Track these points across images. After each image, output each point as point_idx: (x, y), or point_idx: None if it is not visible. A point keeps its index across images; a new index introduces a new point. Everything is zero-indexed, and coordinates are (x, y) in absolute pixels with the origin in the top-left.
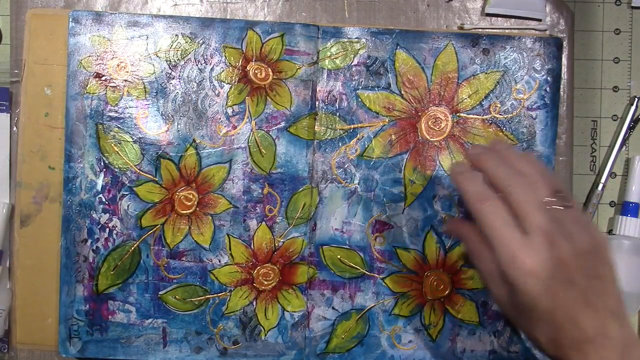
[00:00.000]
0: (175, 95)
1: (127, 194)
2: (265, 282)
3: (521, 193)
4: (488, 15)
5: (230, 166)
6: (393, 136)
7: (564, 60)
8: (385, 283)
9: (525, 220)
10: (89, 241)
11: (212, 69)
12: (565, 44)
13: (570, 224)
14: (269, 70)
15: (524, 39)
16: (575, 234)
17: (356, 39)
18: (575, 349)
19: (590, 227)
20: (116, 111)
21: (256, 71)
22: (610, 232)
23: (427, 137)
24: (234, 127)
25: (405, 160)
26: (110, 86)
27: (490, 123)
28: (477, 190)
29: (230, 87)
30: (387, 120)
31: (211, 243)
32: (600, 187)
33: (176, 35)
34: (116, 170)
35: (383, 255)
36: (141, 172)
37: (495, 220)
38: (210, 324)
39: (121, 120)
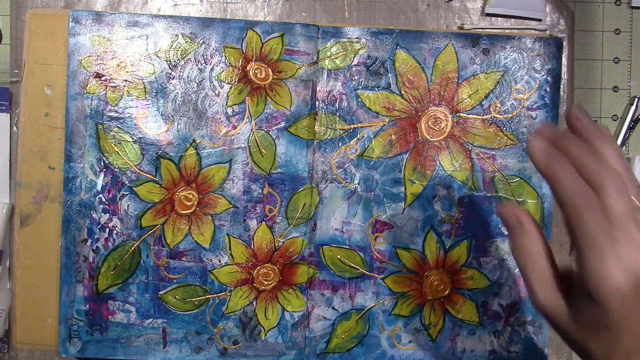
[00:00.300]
0: (175, 95)
1: (127, 194)
2: (265, 282)
3: (618, 197)
4: (488, 15)
5: (230, 166)
6: (393, 136)
7: (564, 60)
8: (385, 283)
9: (620, 229)
10: (89, 241)
11: (212, 69)
12: (565, 44)
13: None
14: (269, 70)
15: (524, 39)
16: None
17: (356, 39)
18: (625, 357)
19: None
20: (116, 111)
21: (256, 71)
22: None
23: (427, 137)
24: (234, 127)
25: (405, 160)
26: (110, 86)
27: (490, 123)
28: (575, 184)
29: (230, 87)
30: (387, 120)
31: (211, 243)
32: None
33: (176, 35)
34: (116, 170)
35: (383, 255)
36: (141, 172)
37: (594, 226)
38: (210, 324)
39: (121, 120)
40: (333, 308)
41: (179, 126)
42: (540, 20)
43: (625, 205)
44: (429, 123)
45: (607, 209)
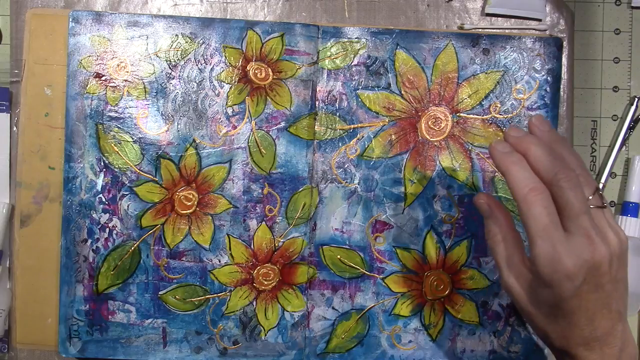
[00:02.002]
0: (175, 95)
1: (127, 194)
2: (265, 282)
3: (572, 190)
4: (488, 15)
5: (230, 166)
6: (393, 136)
7: (564, 60)
8: (385, 283)
9: (573, 221)
10: (89, 241)
11: (212, 69)
12: (565, 44)
13: (604, 226)
14: (269, 70)
15: (524, 39)
16: (609, 236)
17: (356, 39)
18: (583, 345)
19: (619, 228)
20: (116, 111)
21: (256, 71)
22: None
23: (427, 137)
24: (234, 127)
25: (405, 160)
26: (110, 86)
27: (491, 123)
28: (527, 177)
29: (230, 87)
30: (387, 120)
31: (211, 243)
32: (600, 187)
33: (176, 35)
34: (116, 170)
35: (383, 255)
36: (141, 172)
37: (544, 216)
38: (210, 324)
39: (121, 120)
40: (333, 308)
41: (179, 126)
42: (540, 20)
43: (578, 200)
44: (429, 123)
45: (560, 202)
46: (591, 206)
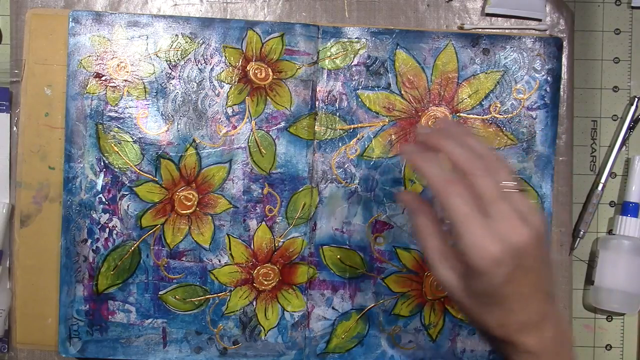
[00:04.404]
0: (175, 95)
1: (127, 194)
2: (265, 282)
3: (485, 177)
4: (488, 15)
5: (230, 166)
6: (393, 136)
7: (564, 60)
8: (385, 283)
9: (491, 206)
10: (89, 241)
11: (212, 69)
12: (565, 44)
13: (525, 209)
14: (269, 70)
15: (524, 39)
16: (530, 218)
17: (356, 39)
18: (520, 331)
19: (538, 211)
20: (116, 111)
21: (256, 71)
22: (610, 232)
23: None
24: (234, 127)
25: (405, 160)
26: (110, 86)
27: (490, 123)
28: (440, 172)
29: (230, 87)
30: (387, 120)
31: (211, 243)
32: (600, 187)
33: (176, 35)
34: (116, 170)
35: (383, 255)
36: (141, 172)
37: (462, 205)
38: (210, 324)
39: (121, 120)
40: (333, 308)
41: (179, 126)
42: (540, 20)
43: (493, 185)
44: (429, 123)
45: (477, 189)
46: (507, 190)
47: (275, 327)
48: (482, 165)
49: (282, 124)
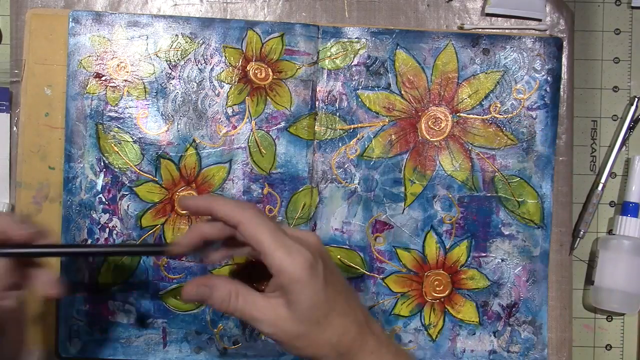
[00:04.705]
0: (175, 95)
1: (127, 194)
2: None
3: (255, 220)
4: (488, 15)
5: (230, 166)
6: (393, 136)
7: (564, 60)
8: (385, 283)
9: (280, 234)
10: (89, 241)
11: (212, 69)
12: (565, 44)
13: (295, 233)
14: (269, 70)
15: (524, 39)
16: (304, 238)
17: (356, 39)
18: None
19: (307, 231)
20: (116, 111)
21: (256, 71)
22: (610, 232)
23: (427, 137)
24: (234, 127)
25: (405, 160)
26: (110, 86)
27: (490, 123)
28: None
29: (230, 87)
30: (387, 120)
31: None
32: (600, 187)
33: (176, 35)
34: (116, 170)
35: (383, 255)
36: (141, 172)
37: (265, 242)
38: (210, 324)
39: (121, 120)
40: None
41: (179, 126)
42: (540, 20)
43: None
44: (429, 123)
45: (260, 228)
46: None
47: None
48: (247, 214)
49: (282, 124)
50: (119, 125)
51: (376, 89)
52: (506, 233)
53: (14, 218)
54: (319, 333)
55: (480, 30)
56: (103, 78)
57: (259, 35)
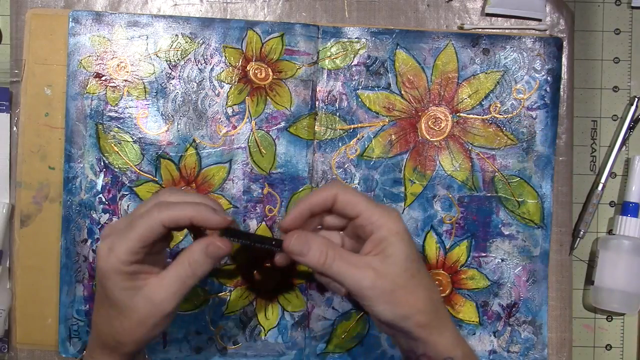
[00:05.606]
0: (175, 95)
1: (127, 194)
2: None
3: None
4: (488, 15)
5: (230, 166)
6: (393, 136)
7: (564, 60)
8: None
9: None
10: (89, 241)
11: (212, 69)
12: (565, 44)
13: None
14: (269, 70)
15: (524, 39)
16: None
17: (356, 39)
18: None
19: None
20: (116, 111)
21: (256, 71)
22: (610, 232)
23: (427, 137)
24: (234, 127)
25: (405, 160)
26: (110, 86)
27: (490, 123)
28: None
29: (230, 87)
30: (387, 120)
31: None
32: (600, 187)
33: (176, 35)
34: (116, 170)
35: None
36: (141, 172)
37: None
38: (210, 324)
39: (121, 120)
40: (333, 308)
41: (179, 126)
42: (540, 20)
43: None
44: (429, 123)
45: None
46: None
47: (276, 327)
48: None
49: (282, 124)
50: (119, 125)
51: (376, 89)
52: (506, 233)
53: (212, 205)
54: (413, 287)
55: (480, 30)
56: (103, 78)
57: (259, 35)
